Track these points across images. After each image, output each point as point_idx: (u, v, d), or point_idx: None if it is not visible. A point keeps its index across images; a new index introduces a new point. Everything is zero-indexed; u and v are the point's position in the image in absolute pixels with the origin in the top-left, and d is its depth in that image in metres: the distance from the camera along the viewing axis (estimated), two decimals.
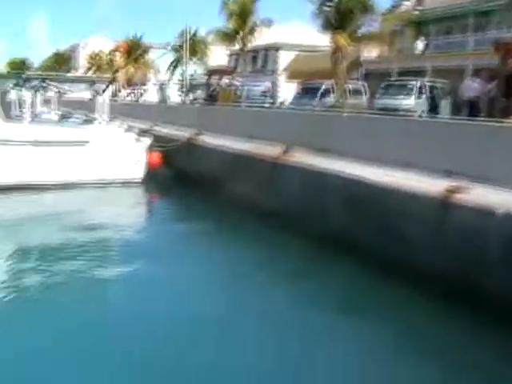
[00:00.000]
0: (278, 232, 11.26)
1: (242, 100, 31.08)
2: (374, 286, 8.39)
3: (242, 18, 33.74)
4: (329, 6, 27.38)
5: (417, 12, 42.10)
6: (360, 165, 10.88)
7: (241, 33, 34.36)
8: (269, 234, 11.25)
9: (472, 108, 20.06)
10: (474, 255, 7.58)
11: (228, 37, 34.90)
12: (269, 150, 13.86)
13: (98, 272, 9.09)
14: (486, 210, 7.53)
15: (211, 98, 31.34)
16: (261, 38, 36.17)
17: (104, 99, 18.02)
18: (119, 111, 26.67)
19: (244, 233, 11.66)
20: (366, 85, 31.23)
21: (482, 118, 13.93)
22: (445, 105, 25.86)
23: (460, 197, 8.09)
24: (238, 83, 35.59)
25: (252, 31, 34.72)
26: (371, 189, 9.64)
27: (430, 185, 8.80)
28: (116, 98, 43.34)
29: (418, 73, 35.92)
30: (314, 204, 11.23)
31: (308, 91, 27.80)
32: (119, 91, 47.96)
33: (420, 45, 37.64)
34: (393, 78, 35.77)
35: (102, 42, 69.62)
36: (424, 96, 25.19)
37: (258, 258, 9.99)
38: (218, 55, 53.58)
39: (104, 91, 18.28)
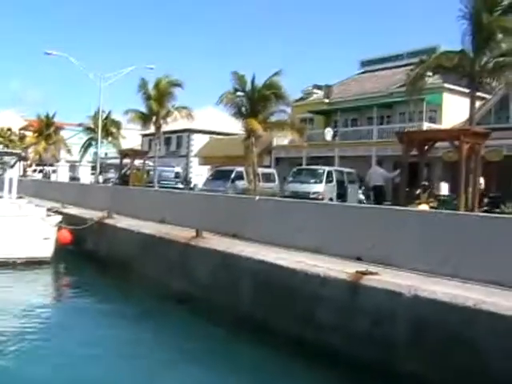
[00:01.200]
0: (187, 315, 11.07)
1: (153, 182, 31.09)
2: (283, 370, 8.27)
3: (159, 102, 34.18)
4: (241, 96, 28.31)
5: (326, 102, 44.48)
6: (272, 250, 10.99)
7: (156, 116, 34.71)
8: (178, 316, 11.03)
9: (378, 194, 21.03)
10: (384, 337, 7.69)
11: (144, 118, 35.13)
12: (180, 232, 13.76)
13: None
14: (393, 293, 7.73)
15: (123, 180, 31.11)
16: (176, 121, 36.71)
17: (12, 174, 17.49)
18: (28, 188, 25.85)
19: (152, 315, 11.31)
20: (274, 171, 32.29)
21: (388, 204, 14.56)
22: (352, 191, 26.95)
23: (368, 280, 8.28)
24: (150, 165, 35.66)
25: (167, 115, 35.18)
26: (282, 274, 9.70)
27: (340, 269, 8.96)
28: (25, 175, 42.21)
29: (327, 160, 37.51)
30: (226, 288, 11.12)
31: (220, 175, 28.23)
32: (29, 167, 46.86)
33: (328, 133, 39.41)
34: (303, 165, 37.20)
35: (13, 118, 68.32)
36: (333, 182, 26.14)
37: (164, 341, 9.74)
38: (132, 136, 53.77)
39: (12, 166, 17.78)
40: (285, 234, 11.67)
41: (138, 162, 32.77)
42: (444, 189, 18.81)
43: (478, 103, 28.32)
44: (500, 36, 18.67)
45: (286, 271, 9.66)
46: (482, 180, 18.38)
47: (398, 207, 11.30)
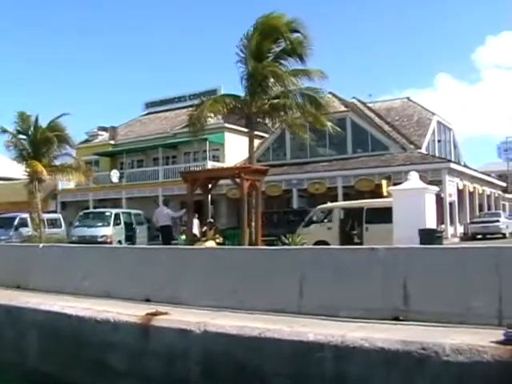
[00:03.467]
0: None
1: None
2: None
3: None
4: (24, 138, 26.98)
5: (111, 143, 44.07)
6: (60, 298, 10.52)
7: None
8: None
9: (165, 234, 21.27)
10: (178, 376, 7.76)
11: None
12: None
13: None
14: (183, 331, 7.86)
15: None
16: None
17: None
18: None
19: None
20: (60, 216, 31.13)
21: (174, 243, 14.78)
22: (141, 232, 26.94)
23: (159, 321, 8.32)
24: None
25: None
26: (71, 322, 9.31)
27: (130, 313, 8.88)
28: None
29: (115, 202, 37.06)
30: (11, 345, 10.34)
31: (2, 223, 26.50)
32: None
33: (115, 175, 39.02)
34: (90, 208, 36.22)
35: None
36: (121, 225, 25.91)
37: None
38: None
39: None
40: (73, 281, 11.26)
41: None
42: (195, 226, 19.69)
43: (257, 142, 30.46)
44: (272, 80, 20.22)
45: (74, 319, 9.29)
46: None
47: (184, 246, 11.56)
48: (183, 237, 20.72)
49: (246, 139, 22.30)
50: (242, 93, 20.97)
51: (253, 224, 18.32)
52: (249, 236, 17.64)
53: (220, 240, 17.96)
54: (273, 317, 7.92)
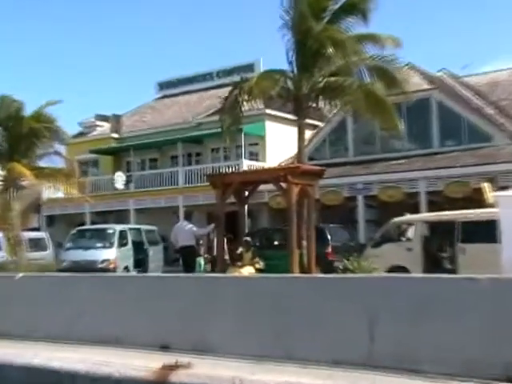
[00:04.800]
0: None
1: None
2: None
3: None
4: None
5: (114, 137, 44.10)
6: (46, 346, 10.63)
7: None
8: None
9: (187, 257, 21.22)
10: None
11: None
12: None
13: None
14: None
15: None
16: None
17: None
18: None
19: None
20: (46, 235, 31.44)
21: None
22: (155, 254, 27.01)
23: (180, 376, 8.31)
24: None
25: None
26: (59, 381, 9.38)
27: (141, 365, 8.90)
28: None
29: (120, 215, 37.37)
30: None
31: None
32: None
33: (119, 179, 39.12)
34: (86, 224, 36.62)
35: None
36: (128, 245, 26.01)
37: None
38: None
39: None
40: (63, 322, 11.33)
41: None
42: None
43: (309, 133, 30.36)
44: (330, 50, 20.16)
45: (64, 376, 9.36)
46: None
47: (212, 274, 11.53)
48: (201, 261, 20.76)
49: (294, 130, 22.22)
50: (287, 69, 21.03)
51: (304, 243, 18.26)
52: (299, 259, 17.59)
53: (261, 265, 18.03)
54: (332, 371, 7.85)
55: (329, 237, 23.04)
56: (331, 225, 25.21)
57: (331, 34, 20.04)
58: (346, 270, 17.22)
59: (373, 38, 20.45)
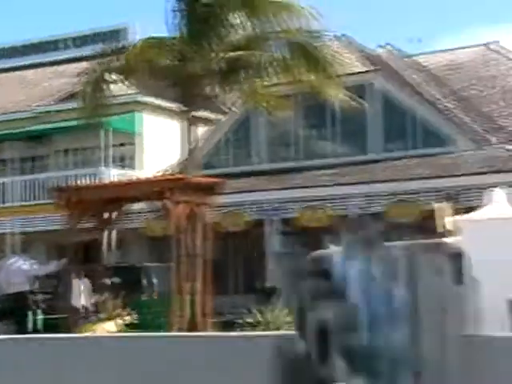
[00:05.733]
0: None
1: None
2: None
3: None
4: None
5: None
6: None
7: None
8: None
9: (19, 308, 20.88)
10: None
11: None
12: None
13: None
14: None
15: None
16: None
17: None
18: None
19: None
20: None
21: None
22: None
23: None
24: None
25: None
26: None
27: None
28: None
29: None
30: None
31: None
32: None
33: None
34: None
35: None
36: None
37: None
38: None
39: None
40: None
41: None
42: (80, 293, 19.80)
43: (203, 130, 30.32)
44: (233, 13, 20.21)
45: None
46: None
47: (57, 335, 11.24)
48: (39, 315, 20.59)
49: (179, 126, 22.11)
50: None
51: (194, 285, 18.09)
52: (185, 309, 17.47)
53: (130, 318, 18.02)
54: None
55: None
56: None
57: None
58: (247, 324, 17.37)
59: (285, 8, 20.51)
